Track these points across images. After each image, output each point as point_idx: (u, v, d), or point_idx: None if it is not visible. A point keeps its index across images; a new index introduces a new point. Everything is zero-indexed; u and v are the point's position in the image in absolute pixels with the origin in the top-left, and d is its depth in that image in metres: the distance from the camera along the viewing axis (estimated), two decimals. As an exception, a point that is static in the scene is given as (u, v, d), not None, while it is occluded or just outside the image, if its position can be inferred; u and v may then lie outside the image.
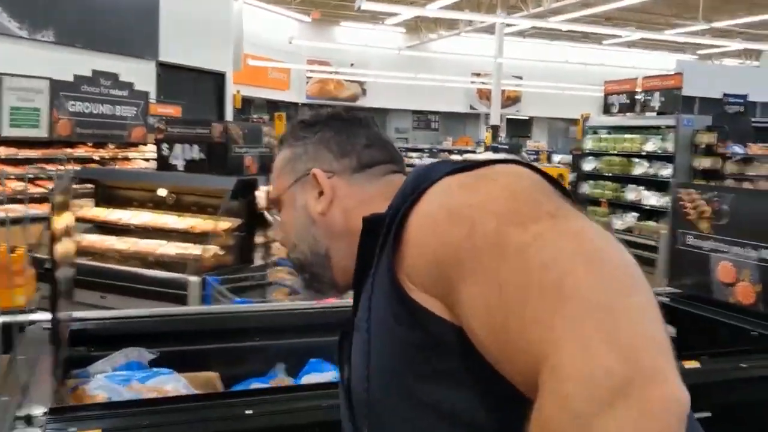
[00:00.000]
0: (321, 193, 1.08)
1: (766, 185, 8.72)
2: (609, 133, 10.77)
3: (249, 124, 9.98)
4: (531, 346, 0.68)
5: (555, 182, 0.85)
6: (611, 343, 0.63)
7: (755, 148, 9.52)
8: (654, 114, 10.31)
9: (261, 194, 4.78)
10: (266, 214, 1.27)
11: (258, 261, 5.01)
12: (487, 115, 26.06)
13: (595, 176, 10.85)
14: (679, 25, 19.96)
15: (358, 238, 0.97)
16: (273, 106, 22.25)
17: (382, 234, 0.89)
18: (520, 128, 27.34)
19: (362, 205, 1.04)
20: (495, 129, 19.37)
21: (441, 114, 27.28)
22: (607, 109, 10.88)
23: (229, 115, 15.04)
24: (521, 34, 24.31)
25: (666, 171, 9.48)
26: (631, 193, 10.10)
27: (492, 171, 0.86)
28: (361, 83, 25.34)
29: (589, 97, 25.39)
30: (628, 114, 10.63)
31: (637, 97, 10.34)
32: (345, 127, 1.13)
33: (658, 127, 9.95)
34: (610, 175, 10.53)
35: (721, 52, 24.35)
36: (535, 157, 20.34)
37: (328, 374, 2.30)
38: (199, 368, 2.17)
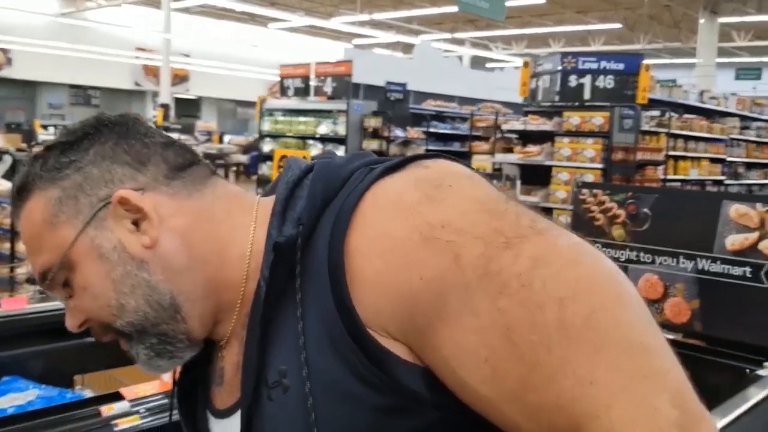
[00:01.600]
0: (136, 222, 0.77)
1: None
2: (284, 115, 11.03)
3: None
4: (567, 403, 0.57)
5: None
6: (662, 390, 0.56)
7: (413, 132, 10.55)
8: (326, 99, 10.79)
9: None
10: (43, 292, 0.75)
11: None
12: (155, 93, 24.97)
13: (272, 158, 11.03)
14: (341, 14, 21.28)
15: (213, 268, 0.76)
16: None
17: (298, 262, 0.69)
18: (189, 108, 26.71)
19: (202, 223, 0.78)
20: (166, 108, 18.63)
21: (102, 90, 25.37)
22: (283, 92, 11.11)
23: None
24: (187, 11, 23.65)
25: (339, 153, 9.98)
26: (308, 174, 10.49)
27: (438, 173, 0.70)
28: (5, 51, 22.36)
29: (257, 80, 25.83)
30: (303, 98, 10.98)
31: (311, 82, 10.73)
32: (125, 130, 0.80)
33: (330, 111, 10.46)
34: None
35: (375, 43, 26.51)
36: (207, 137, 20.07)
37: (29, 393, 1.97)
38: None
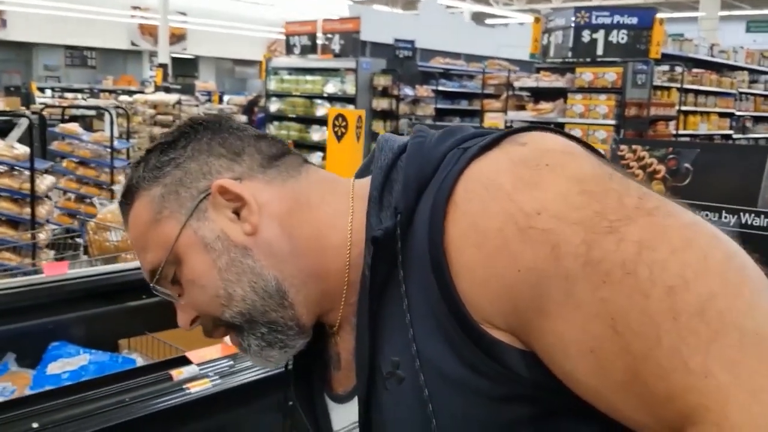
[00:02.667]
0: (237, 211, 0.77)
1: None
2: (291, 74, 10.90)
3: None
4: (678, 395, 0.55)
5: (592, 149, 0.70)
6: None
7: (422, 90, 10.45)
8: (332, 57, 10.65)
9: None
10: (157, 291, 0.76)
11: None
12: (151, 53, 24.66)
13: (280, 117, 10.94)
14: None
15: (315, 254, 0.76)
16: None
17: (399, 252, 0.68)
18: (186, 67, 26.38)
19: (300, 208, 0.78)
20: (164, 68, 18.40)
21: (98, 50, 25.04)
22: (289, 50, 10.95)
23: None
24: (184, -33, 23.22)
25: (350, 107, 9.91)
26: (316, 134, 10.43)
27: (535, 151, 0.66)
28: (0, 13, 22.03)
29: (256, 38, 25.48)
30: (309, 56, 10.83)
31: (318, 40, 10.57)
32: (218, 127, 0.82)
33: (337, 70, 10.33)
34: (294, 116, 10.71)
35: None
36: (208, 98, 19.88)
37: (80, 358, 1.96)
38: None
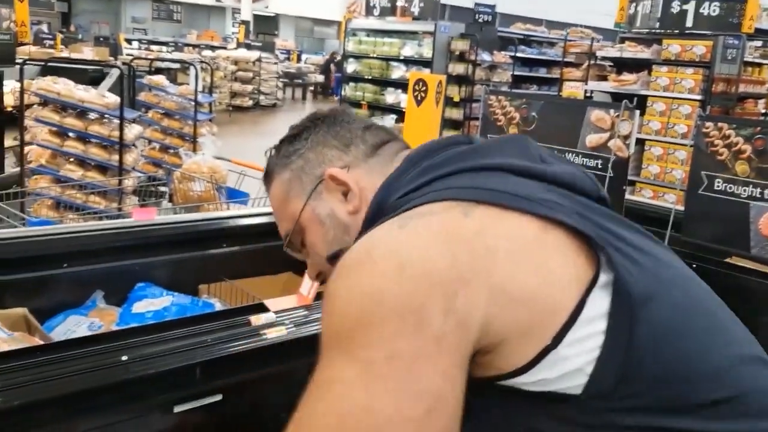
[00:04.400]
0: (345, 193, 0.99)
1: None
2: (369, 36, 10.88)
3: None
4: None
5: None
6: None
7: (499, 56, 10.27)
8: (411, 19, 10.57)
9: (7, 89, 4.09)
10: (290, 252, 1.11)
11: (9, 169, 4.36)
12: (234, 9, 24.98)
13: (356, 78, 10.98)
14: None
15: None
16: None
17: None
18: (267, 25, 26.65)
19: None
20: (246, 25, 18.63)
21: (184, 5, 25.55)
22: (368, 12, 10.93)
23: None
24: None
25: (426, 71, 9.85)
26: (390, 96, 10.43)
27: (382, 250, 0.76)
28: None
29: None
30: (388, 18, 10.79)
31: (397, 1, 10.50)
32: (333, 121, 1.04)
33: (415, 33, 10.26)
34: (370, 78, 10.72)
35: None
36: (287, 56, 20.07)
37: (164, 300, 2.08)
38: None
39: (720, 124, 2.41)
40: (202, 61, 7.84)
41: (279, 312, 1.53)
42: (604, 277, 0.77)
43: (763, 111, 8.26)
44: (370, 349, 0.70)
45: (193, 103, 5.29)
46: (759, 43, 8.53)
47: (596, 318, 0.75)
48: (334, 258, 0.93)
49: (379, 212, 0.90)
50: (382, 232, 0.79)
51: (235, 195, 3.37)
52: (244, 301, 2.13)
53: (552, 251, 0.78)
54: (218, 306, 2.09)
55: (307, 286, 1.68)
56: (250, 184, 3.46)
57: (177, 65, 11.14)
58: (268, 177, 1.07)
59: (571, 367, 0.74)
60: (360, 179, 0.98)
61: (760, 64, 8.43)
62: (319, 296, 1.64)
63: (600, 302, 0.75)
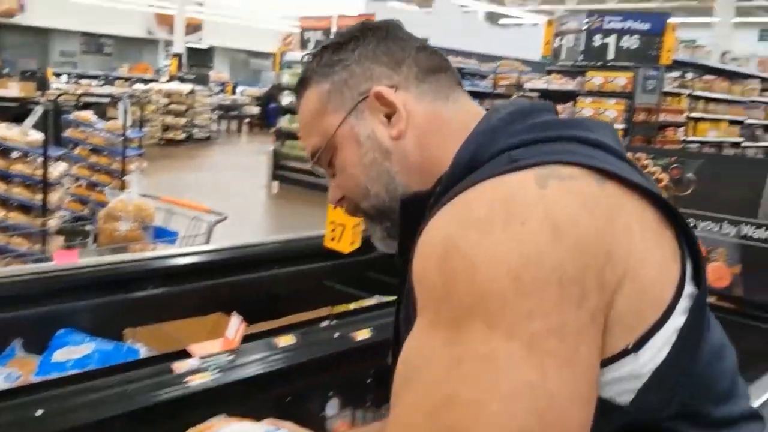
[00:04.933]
0: (389, 116, 0.89)
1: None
2: (303, 68, 10.91)
3: None
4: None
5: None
6: None
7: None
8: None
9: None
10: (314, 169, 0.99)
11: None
12: (167, 42, 24.73)
13: (292, 111, 10.97)
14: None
15: (430, 178, 0.86)
16: None
17: (426, 217, 0.77)
18: (201, 58, 26.44)
19: (436, 132, 0.88)
20: (179, 57, 18.46)
21: (114, 38, 25.15)
22: (303, 45, 10.99)
23: None
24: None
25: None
26: (326, 129, 10.44)
27: (528, 207, 0.67)
28: (17, -4, 22.15)
29: (271, 30, 25.48)
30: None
31: (332, 35, 10.56)
32: (384, 34, 0.91)
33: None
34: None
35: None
36: (221, 88, 19.95)
37: (86, 347, 2.01)
38: None
39: (638, 154, 2.51)
40: (131, 95, 7.71)
41: (204, 357, 1.50)
42: (689, 289, 0.73)
43: (683, 138, 8.63)
44: (531, 321, 0.63)
45: (121, 139, 5.20)
46: (677, 74, 8.93)
47: (672, 328, 0.70)
48: (404, 204, 0.87)
49: (476, 159, 0.78)
50: (516, 186, 0.69)
51: (163, 234, 3.31)
52: (171, 345, 2.09)
53: (666, 245, 0.73)
54: (143, 352, 2.04)
55: (234, 328, 1.65)
56: (180, 222, 3.40)
57: (106, 99, 10.93)
58: (302, 84, 0.94)
59: (634, 372, 0.70)
60: (408, 103, 0.88)
61: (678, 94, 8.82)
62: (246, 339, 1.62)
63: (680, 312, 0.71)
